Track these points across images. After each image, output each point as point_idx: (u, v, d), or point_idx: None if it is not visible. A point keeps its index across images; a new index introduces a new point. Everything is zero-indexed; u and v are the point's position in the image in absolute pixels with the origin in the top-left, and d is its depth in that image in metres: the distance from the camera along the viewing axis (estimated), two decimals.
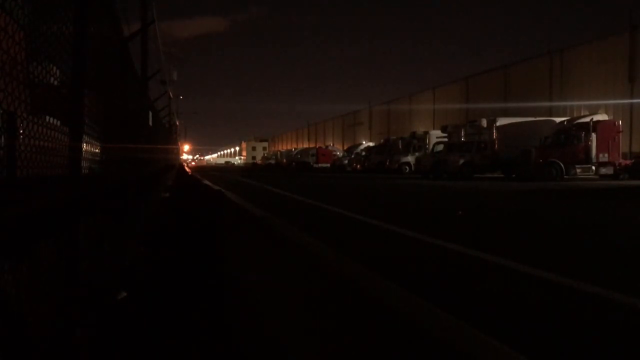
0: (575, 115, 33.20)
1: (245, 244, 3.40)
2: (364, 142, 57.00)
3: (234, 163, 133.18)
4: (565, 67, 39.10)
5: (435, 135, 36.04)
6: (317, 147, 65.97)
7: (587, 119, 25.74)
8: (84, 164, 2.76)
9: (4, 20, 1.59)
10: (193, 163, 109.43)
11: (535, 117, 30.64)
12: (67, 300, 2.38)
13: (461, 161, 27.51)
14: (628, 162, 25.22)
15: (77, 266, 2.52)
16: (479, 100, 47.32)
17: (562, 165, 23.99)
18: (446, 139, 31.82)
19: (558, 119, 29.05)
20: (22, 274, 1.86)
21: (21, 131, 1.78)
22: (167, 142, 22.94)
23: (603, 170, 24.52)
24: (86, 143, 2.84)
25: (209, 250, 5.06)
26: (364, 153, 45.20)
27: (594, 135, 24.37)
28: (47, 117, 2.25)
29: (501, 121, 28.31)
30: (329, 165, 51.90)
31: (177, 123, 59.14)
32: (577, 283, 4.44)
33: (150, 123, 10.24)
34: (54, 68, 2.24)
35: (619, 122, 26.08)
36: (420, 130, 44.42)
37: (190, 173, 17.67)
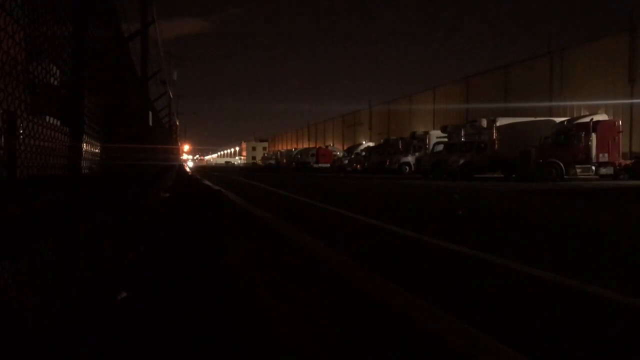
0: (575, 115, 33.18)
1: (244, 242, 3.40)
2: (364, 142, 56.99)
3: (234, 163, 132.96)
4: (565, 67, 39.10)
5: (435, 135, 36.04)
6: (317, 147, 65.98)
7: (587, 119, 25.73)
8: (84, 164, 2.76)
9: (4, 20, 1.59)
10: (191, 164, 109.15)
11: (535, 117, 30.65)
12: (67, 300, 2.38)
13: (461, 161, 27.52)
14: (628, 162, 25.22)
15: (77, 266, 2.52)
16: (479, 100, 47.32)
17: (562, 165, 23.99)
18: (446, 139, 31.83)
19: (558, 119, 29.03)
20: (22, 274, 1.86)
21: (21, 131, 1.78)
22: (167, 142, 22.93)
23: (603, 171, 24.52)
24: (86, 143, 2.84)
25: (209, 248, 5.06)
26: (364, 153, 45.21)
27: (594, 135, 24.36)
28: (47, 117, 2.25)
29: (501, 121, 28.33)
30: (329, 165, 51.93)
31: (177, 123, 59.14)
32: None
33: (150, 123, 10.24)
34: (54, 68, 2.24)
35: (619, 122, 26.08)
36: (420, 130, 44.40)
37: (190, 173, 17.67)
